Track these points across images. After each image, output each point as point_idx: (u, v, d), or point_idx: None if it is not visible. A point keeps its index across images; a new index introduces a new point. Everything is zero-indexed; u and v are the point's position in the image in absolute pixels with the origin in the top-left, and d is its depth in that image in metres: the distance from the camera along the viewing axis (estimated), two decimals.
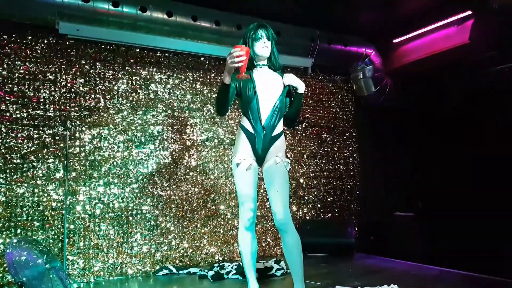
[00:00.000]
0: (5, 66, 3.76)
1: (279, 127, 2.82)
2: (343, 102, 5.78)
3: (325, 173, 5.50)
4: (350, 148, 5.76)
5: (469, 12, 4.40)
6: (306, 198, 5.30)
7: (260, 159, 2.81)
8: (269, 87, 2.79)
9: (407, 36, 5.16)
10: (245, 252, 2.84)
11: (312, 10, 4.60)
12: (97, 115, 4.10)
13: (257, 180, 2.83)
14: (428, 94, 5.42)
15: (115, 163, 4.13)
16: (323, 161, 5.51)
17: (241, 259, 2.89)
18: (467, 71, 4.84)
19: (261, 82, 2.79)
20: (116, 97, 4.21)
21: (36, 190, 3.77)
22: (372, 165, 5.84)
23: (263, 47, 2.76)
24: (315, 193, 5.39)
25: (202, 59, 4.70)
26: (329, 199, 5.49)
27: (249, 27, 2.80)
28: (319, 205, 5.40)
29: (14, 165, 3.71)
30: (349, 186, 5.68)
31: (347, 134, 5.76)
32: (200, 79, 4.70)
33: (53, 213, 3.81)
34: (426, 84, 5.37)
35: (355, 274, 3.81)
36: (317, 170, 5.43)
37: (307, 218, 5.23)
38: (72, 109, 3.99)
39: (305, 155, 5.35)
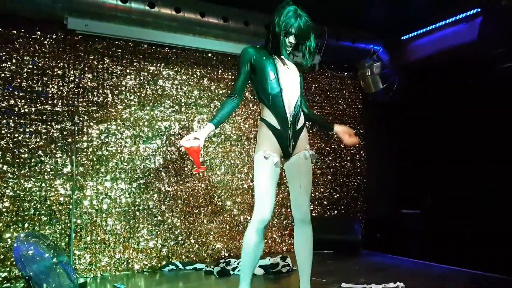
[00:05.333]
0: (14, 61, 3.77)
1: (303, 118, 2.68)
2: (350, 99, 5.75)
3: (331, 170, 5.48)
4: (357, 145, 5.74)
5: (478, 10, 4.36)
6: (312, 195, 5.26)
7: (286, 155, 2.63)
8: (290, 76, 2.64)
9: (416, 33, 5.12)
10: (248, 254, 2.46)
11: (319, 6, 4.57)
12: (105, 111, 4.12)
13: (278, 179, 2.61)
14: (435, 91, 5.38)
15: (122, 158, 4.15)
16: (330, 158, 5.49)
17: (241, 259, 2.50)
18: (475, 69, 4.81)
19: (283, 71, 2.62)
20: (124, 92, 4.22)
21: (43, 184, 3.79)
22: (379, 162, 5.81)
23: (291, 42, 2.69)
24: (322, 190, 5.38)
25: (209, 55, 4.69)
26: (335, 196, 5.48)
27: (288, 14, 2.65)
28: (325, 202, 5.39)
29: (22, 160, 3.73)
30: (355, 183, 5.67)
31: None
32: (208, 75, 4.69)
33: (60, 208, 3.83)
34: (434, 81, 5.33)
35: (361, 272, 3.80)
36: (323, 167, 5.42)
37: (314, 215, 5.22)
38: (80, 104, 4.01)
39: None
